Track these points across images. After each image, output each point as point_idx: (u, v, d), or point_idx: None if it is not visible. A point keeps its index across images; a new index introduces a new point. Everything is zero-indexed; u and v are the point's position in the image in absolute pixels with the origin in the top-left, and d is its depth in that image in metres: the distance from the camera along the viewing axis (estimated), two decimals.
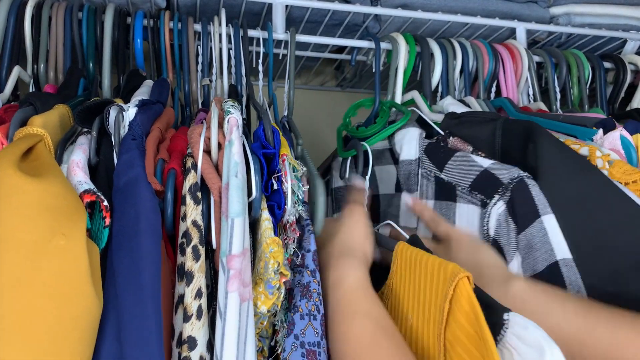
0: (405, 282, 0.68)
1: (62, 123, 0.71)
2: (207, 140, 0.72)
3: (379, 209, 0.95)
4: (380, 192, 0.94)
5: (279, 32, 1.10)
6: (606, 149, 0.82)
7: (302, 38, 1.13)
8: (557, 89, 1.18)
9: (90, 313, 0.52)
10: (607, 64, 1.25)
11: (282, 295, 0.67)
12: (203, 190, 0.68)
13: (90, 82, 0.94)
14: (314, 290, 0.69)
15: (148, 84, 0.89)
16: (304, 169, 0.75)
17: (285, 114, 1.03)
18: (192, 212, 0.64)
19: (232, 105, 0.75)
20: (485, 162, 0.79)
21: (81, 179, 0.61)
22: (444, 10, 1.22)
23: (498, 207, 0.74)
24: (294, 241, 0.73)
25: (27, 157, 0.58)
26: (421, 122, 0.99)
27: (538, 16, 1.28)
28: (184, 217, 0.65)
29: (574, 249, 0.69)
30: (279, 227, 0.74)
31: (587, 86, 1.21)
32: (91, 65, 0.96)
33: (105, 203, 0.59)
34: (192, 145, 0.71)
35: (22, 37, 0.94)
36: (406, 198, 0.89)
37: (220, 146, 0.71)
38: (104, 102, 0.73)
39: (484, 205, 0.76)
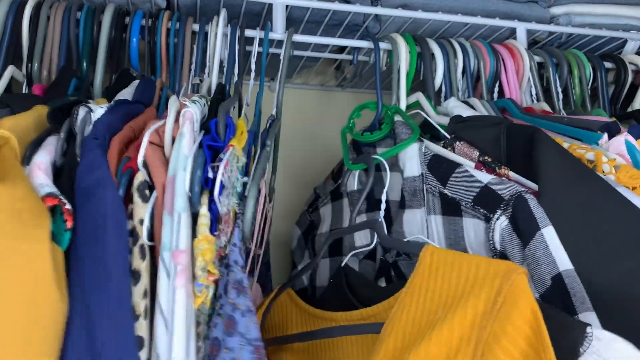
0: (434, 280, 0.65)
1: (38, 124, 0.71)
2: (162, 134, 0.71)
3: (390, 213, 0.94)
4: (390, 198, 0.93)
5: (279, 32, 1.09)
6: (612, 153, 0.82)
7: (301, 38, 1.12)
8: (559, 89, 1.18)
9: (56, 316, 0.53)
10: (607, 64, 1.25)
11: (210, 294, 0.65)
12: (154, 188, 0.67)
13: (83, 81, 0.93)
14: (248, 286, 0.67)
15: (134, 84, 0.88)
16: (244, 160, 0.73)
17: (273, 112, 1.01)
18: (140, 210, 0.64)
19: (193, 100, 0.74)
20: (485, 178, 0.79)
21: (42, 181, 0.61)
22: (444, 10, 1.22)
23: (501, 222, 0.74)
24: (226, 234, 0.70)
25: None
26: (427, 125, 0.99)
27: (538, 16, 1.28)
28: (131, 216, 0.64)
29: (576, 258, 0.68)
30: (217, 222, 0.71)
31: (589, 86, 1.21)
32: (85, 64, 0.95)
33: (68, 207, 0.58)
34: (141, 139, 0.70)
35: (20, 36, 0.93)
36: None
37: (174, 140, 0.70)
38: (74, 102, 0.73)
39: (487, 220, 0.76)
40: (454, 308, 0.59)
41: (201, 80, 1.01)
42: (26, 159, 0.65)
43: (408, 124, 0.97)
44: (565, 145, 0.85)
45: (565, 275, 0.67)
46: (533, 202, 0.72)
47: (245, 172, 0.76)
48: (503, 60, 1.15)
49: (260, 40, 1.07)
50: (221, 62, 1.02)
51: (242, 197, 0.73)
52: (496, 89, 1.15)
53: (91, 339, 0.55)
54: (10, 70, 0.90)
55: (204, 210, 0.67)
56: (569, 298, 0.65)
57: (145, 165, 0.67)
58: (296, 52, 1.24)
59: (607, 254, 0.69)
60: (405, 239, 0.88)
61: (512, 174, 0.80)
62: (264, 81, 1.07)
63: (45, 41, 0.95)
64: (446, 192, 0.85)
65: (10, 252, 0.51)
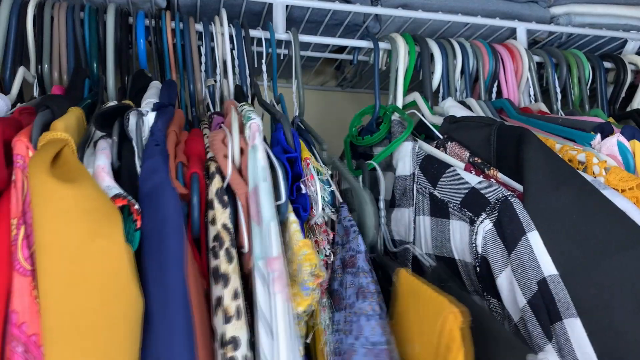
0: (409, 309, 0.69)
1: (78, 126, 0.72)
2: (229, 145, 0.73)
3: None
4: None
5: (280, 32, 1.11)
6: (603, 154, 0.83)
7: (301, 38, 1.13)
8: (558, 89, 1.18)
9: (136, 310, 0.54)
10: (607, 64, 1.26)
11: (317, 295, 0.68)
12: (227, 194, 0.69)
13: (95, 82, 0.94)
14: (375, 291, 0.70)
15: (155, 85, 0.89)
16: (329, 172, 0.77)
17: (296, 113, 1.04)
18: (221, 216, 0.66)
19: (250, 110, 0.77)
20: (473, 180, 0.79)
21: (109, 183, 0.62)
22: (444, 10, 1.22)
23: (485, 225, 0.74)
24: (328, 242, 0.75)
25: (55, 162, 0.59)
26: (422, 125, 1.00)
27: (538, 16, 1.28)
28: (214, 221, 0.66)
29: (560, 263, 0.68)
30: (305, 229, 0.76)
31: (588, 86, 1.21)
32: (95, 65, 0.96)
33: (137, 206, 0.60)
34: (216, 151, 0.72)
35: (24, 37, 0.94)
36: None
37: (242, 151, 0.72)
38: (121, 107, 0.74)
39: (471, 222, 0.76)
40: (424, 348, 0.64)
41: (215, 82, 1.02)
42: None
43: (403, 122, 0.98)
44: (558, 146, 0.85)
45: (549, 280, 0.66)
46: (519, 206, 0.72)
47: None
48: (502, 60, 1.16)
49: (263, 40, 1.08)
50: (225, 62, 1.03)
51: (333, 204, 0.78)
52: (495, 89, 1.16)
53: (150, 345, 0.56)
54: (21, 71, 0.91)
55: (293, 217, 0.70)
56: (554, 304, 0.65)
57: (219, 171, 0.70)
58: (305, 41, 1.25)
59: (591, 257, 0.68)
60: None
61: (500, 175, 0.80)
62: (267, 81, 1.07)
63: (52, 42, 0.96)
64: (436, 193, 0.85)
65: (85, 249, 0.53)
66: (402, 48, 1.10)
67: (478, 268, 0.75)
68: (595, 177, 0.78)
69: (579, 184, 0.73)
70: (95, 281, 0.52)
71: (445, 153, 0.90)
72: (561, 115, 1.15)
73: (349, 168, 1.07)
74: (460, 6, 1.24)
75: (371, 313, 0.67)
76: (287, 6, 1.13)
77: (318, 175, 0.74)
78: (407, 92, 1.10)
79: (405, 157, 0.93)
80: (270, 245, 0.63)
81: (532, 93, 1.17)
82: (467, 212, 0.78)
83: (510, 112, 1.04)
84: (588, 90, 1.21)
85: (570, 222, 0.70)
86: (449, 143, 0.90)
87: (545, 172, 0.74)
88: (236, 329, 0.60)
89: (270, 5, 1.13)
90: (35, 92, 0.94)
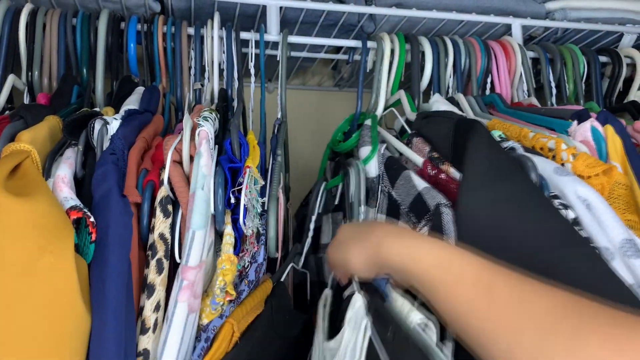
0: None
1: (52, 135, 0.72)
2: (181, 152, 0.73)
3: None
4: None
5: (273, 34, 1.11)
6: (576, 140, 0.82)
7: (295, 39, 1.14)
8: (553, 84, 1.18)
9: (81, 328, 0.54)
10: (603, 58, 1.25)
11: (224, 310, 0.69)
12: (176, 203, 0.69)
13: (85, 89, 0.95)
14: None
15: (139, 91, 0.90)
16: (262, 182, 0.77)
17: (279, 116, 1.04)
18: (160, 224, 0.65)
19: (205, 117, 0.76)
20: (420, 185, 0.78)
21: (67, 194, 0.62)
22: (438, 8, 1.22)
23: (423, 232, 0.73)
24: (250, 255, 0.75)
25: (14, 174, 0.59)
26: (408, 123, 1.00)
27: (534, 12, 1.28)
28: (152, 230, 0.65)
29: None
30: (242, 241, 0.76)
31: (583, 81, 1.21)
32: (85, 71, 0.97)
33: (92, 219, 0.59)
34: (166, 157, 0.72)
35: (16, 44, 0.95)
36: None
37: (192, 158, 0.72)
38: (90, 114, 0.74)
39: (414, 227, 0.76)
40: None
41: (202, 85, 1.03)
42: (45, 171, 0.67)
43: (371, 133, 0.98)
44: (531, 134, 0.84)
45: None
46: (446, 217, 0.70)
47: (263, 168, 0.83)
48: (495, 56, 1.16)
49: (256, 42, 1.09)
50: (213, 65, 1.04)
51: (262, 214, 0.78)
52: (488, 85, 1.16)
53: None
54: (11, 79, 0.92)
55: (229, 230, 0.70)
56: None
57: (168, 181, 0.70)
58: (292, 53, 1.25)
59: (516, 258, 0.65)
60: None
61: (452, 170, 0.78)
62: (256, 83, 1.08)
63: (43, 49, 0.97)
64: (393, 193, 0.85)
65: (33, 265, 0.52)
66: (387, 47, 1.10)
67: None
68: (563, 164, 0.78)
69: (515, 181, 0.71)
70: (41, 298, 0.52)
71: (411, 149, 0.90)
72: (543, 108, 1.15)
73: (321, 169, 1.10)
74: (455, 4, 1.23)
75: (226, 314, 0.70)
76: (281, 8, 1.14)
77: (254, 184, 0.74)
78: (395, 89, 1.11)
79: (372, 159, 0.93)
80: (188, 254, 0.62)
81: (525, 89, 1.17)
82: (412, 217, 0.77)
83: (499, 107, 1.04)
84: (584, 85, 1.21)
85: (499, 220, 0.67)
86: (415, 138, 0.90)
87: (484, 166, 0.72)
88: (150, 341, 0.60)
89: (264, 7, 1.13)
90: (26, 100, 0.95)
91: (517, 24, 1.25)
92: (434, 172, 0.81)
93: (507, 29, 1.28)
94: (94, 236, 0.59)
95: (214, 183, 0.70)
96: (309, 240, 0.99)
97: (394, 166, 0.89)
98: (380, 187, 0.90)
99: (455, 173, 0.77)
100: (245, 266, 0.74)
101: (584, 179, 0.76)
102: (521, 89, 1.18)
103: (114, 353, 0.54)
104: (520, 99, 1.17)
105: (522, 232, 0.66)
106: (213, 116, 0.79)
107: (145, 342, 0.59)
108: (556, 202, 0.72)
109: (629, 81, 1.25)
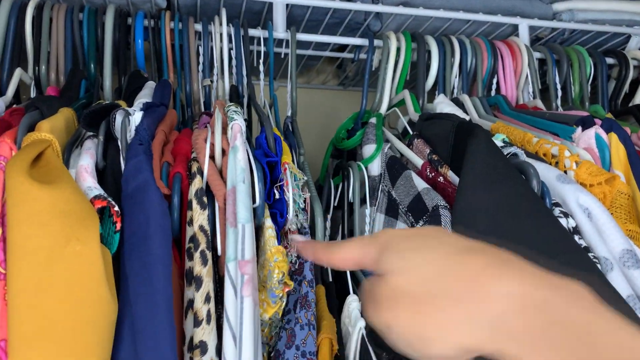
0: None
1: (67, 126, 0.72)
2: (212, 145, 0.73)
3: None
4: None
5: (280, 31, 1.11)
6: (580, 147, 0.82)
7: (301, 37, 1.13)
8: (559, 86, 1.18)
9: (107, 316, 0.54)
10: (610, 60, 1.25)
11: (283, 304, 0.69)
12: (207, 195, 0.68)
13: (92, 83, 0.96)
14: (312, 300, 0.70)
15: (150, 85, 0.90)
16: (305, 178, 0.76)
17: (289, 114, 1.04)
18: (199, 217, 0.65)
19: (235, 111, 0.77)
20: (420, 186, 0.79)
21: (90, 184, 0.62)
22: (445, 8, 1.22)
23: None
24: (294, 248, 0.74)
25: (36, 163, 0.59)
26: (412, 124, 1.01)
27: (541, 12, 1.28)
28: (191, 222, 0.66)
29: None
30: (281, 235, 0.75)
31: (590, 83, 1.21)
32: (92, 66, 0.98)
33: (116, 208, 0.59)
34: (198, 150, 0.72)
35: (23, 39, 0.96)
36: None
37: (224, 152, 0.72)
38: (109, 106, 0.74)
39: (412, 227, 0.76)
40: None
41: (212, 82, 1.03)
42: (65, 162, 0.68)
43: (375, 131, 0.99)
44: (535, 140, 0.85)
45: None
46: (445, 218, 0.71)
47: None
48: (502, 57, 1.16)
49: (264, 39, 1.09)
50: (222, 62, 1.04)
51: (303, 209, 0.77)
52: (494, 86, 1.16)
53: (135, 342, 0.55)
54: (18, 73, 0.93)
55: (269, 223, 0.70)
56: None
57: (200, 172, 0.70)
58: (298, 51, 1.25)
59: None
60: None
61: (450, 173, 0.79)
62: (264, 81, 1.08)
63: (50, 43, 0.98)
64: (392, 192, 0.86)
65: (59, 252, 0.52)
66: (393, 45, 1.10)
67: None
68: (566, 171, 0.78)
69: (513, 186, 0.71)
70: (67, 285, 0.52)
71: (412, 150, 0.91)
72: (560, 111, 1.15)
73: (324, 166, 1.11)
74: (462, 3, 1.23)
75: (305, 322, 0.68)
76: (287, 5, 1.14)
77: (295, 180, 0.74)
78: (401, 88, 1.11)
79: (375, 159, 0.94)
80: (243, 248, 0.62)
81: (531, 90, 1.17)
82: (410, 217, 0.78)
83: (503, 108, 1.05)
84: (590, 87, 1.21)
85: (494, 225, 0.67)
86: (416, 140, 0.91)
87: (482, 170, 0.72)
88: (205, 333, 0.59)
89: (271, 4, 1.14)
90: (33, 94, 0.95)
91: (524, 25, 1.25)
92: (432, 174, 0.82)
93: (514, 30, 1.27)
94: (118, 226, 0.59)
95: (257, 177, 0.70)
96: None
97: (395, 166, 0.90)
98: (381, 186, 0.91)
99: (453, 176, 0.78)
100: (293, 262, 0.74)
101: (586, 187, 0.76)
102: (527, 90, 1.18)
103: (169, 343, 0.54)
104: (525, 100, 1.17)
105: (517, 238, 0.65)
106: (240, 111, 0.79)
107: (200, 334, 0.59)
108: (557, 210, 0.72)
109: (635, 83, 1.26)
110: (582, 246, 0.69)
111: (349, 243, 0.48)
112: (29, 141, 0.62)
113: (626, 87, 1.23)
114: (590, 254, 0.68)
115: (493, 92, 1.16)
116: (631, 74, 1.22)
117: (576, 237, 0.70)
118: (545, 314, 0.35)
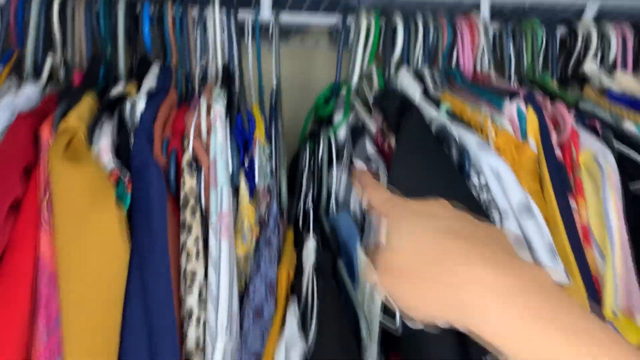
0: None
1: (90, 110, 0.93)
2: (199, 125, 0.95)
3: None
4: None
5: (266, 13, 1.27)
6: (505, 118, 0.98)
7: (285, 18, 1.29)
8: (512, 57, 1.34)
9: (124, 259, 0.75)
10: (563, 30, 1.39)
11: (252, 245, 0.90)
12: (196, 164, 0.90)
13: (109, 67, 1.16)
14: (274, 242, 0.92)
15: (154, 71, 1.10)
16: (268, 150, 0.99)
17: (274, 84, 1.23)
18: (189, 180, 0.87)
19: (217, 95, 0.98)
20: (370, 152, 0.99)
21: (109, 159, 0.85)
22: None
23: None
24: (265, 205, 0.95)
25: (68, 146, 0.81)
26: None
27: None
28: (184, 185, 0.87)
29: None
30: (255, 192, 0.96)
31: (542, 53, 1.36)
32: (108, 51, 1.17)
33: (128, 176, 0.82)
34: (188, 130, 0.93)
35: (51, 29, 1.16)
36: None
37: (209, 131, 0.94)
38: (120, 96, 0.96)
39: None
40: None
41: (206, 63, 1.22)
42: (89, 140, 0.88)
43: (344, 101, 1.17)
44: (469, 110, 1.03)
45: None
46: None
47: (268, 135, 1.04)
48: (461, 33, 1.32)
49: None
50: (216, 43, 1.23)
51: (271, 172, 1.00)
52: (455, 59, 1.32)
53: (143, 286, 0.76)
54: (50, 58, 1.14)
55: (243, 184, 0.92)
56: None
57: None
58: (289, 21, 1.36)
59: None
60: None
61: (393, 142, 0.97)
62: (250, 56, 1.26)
63: (74, 32, 1.17)
64: (352, 156, 1.05)
65: (87, 217, 0.74)
66: (364, 23, 1.25)
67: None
68: (487, 139, 0.96)
69: (436, 154, 0.90)
70: (94, 239, 0.74)
71: (372, 119, 1.10)
72: (514, 80, 1.32)
73: (303, 131, 1.30)
74: None
75: (269, 258, 0.89)
76: None
77: (263, 151, 0.96)
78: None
79: (342, 126, 1.13)
80: (221, 203, 0.84)
81: (486, 62, 1.33)
82: None
83: (457, 81, 1.23)
84: (541, 56, 1.36)
85: (418, 189, 0.80)
86: (375, 110, 1.10)
87: (411, 144, 0.91)
88: (195, 266, 0.81)
89: None
90: (61, 74, 1.16)
91: (485, 2, 1.39)
92: (382, 141, 1.01)
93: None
94: (129, 189, 0.81)
95: (231, 151, 0.93)
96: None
97: (356, 132, 1.08)
98: (346, 149, 1.09)
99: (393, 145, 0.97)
100: (262, 214, 0.95)
101: (500, 152, 0.94)
102: (484, 61, 1.34)
103: (165, 278, 0.76)
104: (484, 71, 1.33)
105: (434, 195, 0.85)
106: (222, 95, 1.00)
107: (192, 266, 0.81)
108: (472, 170, 0.91)
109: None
110: (489, 200, 0.89)
111: (378, 193, 0.59)
112: (62, 128, 0.84)
113: (575, 56, 1.38)
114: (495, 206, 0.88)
115: (454, 63, 1.32)
116: (580, 44, 1.37)
117: (485, 192, 0.89)
118: (512, 297, 0.41)
